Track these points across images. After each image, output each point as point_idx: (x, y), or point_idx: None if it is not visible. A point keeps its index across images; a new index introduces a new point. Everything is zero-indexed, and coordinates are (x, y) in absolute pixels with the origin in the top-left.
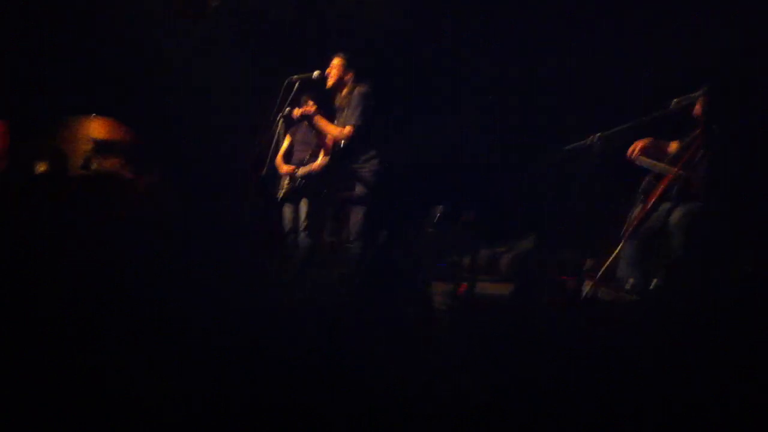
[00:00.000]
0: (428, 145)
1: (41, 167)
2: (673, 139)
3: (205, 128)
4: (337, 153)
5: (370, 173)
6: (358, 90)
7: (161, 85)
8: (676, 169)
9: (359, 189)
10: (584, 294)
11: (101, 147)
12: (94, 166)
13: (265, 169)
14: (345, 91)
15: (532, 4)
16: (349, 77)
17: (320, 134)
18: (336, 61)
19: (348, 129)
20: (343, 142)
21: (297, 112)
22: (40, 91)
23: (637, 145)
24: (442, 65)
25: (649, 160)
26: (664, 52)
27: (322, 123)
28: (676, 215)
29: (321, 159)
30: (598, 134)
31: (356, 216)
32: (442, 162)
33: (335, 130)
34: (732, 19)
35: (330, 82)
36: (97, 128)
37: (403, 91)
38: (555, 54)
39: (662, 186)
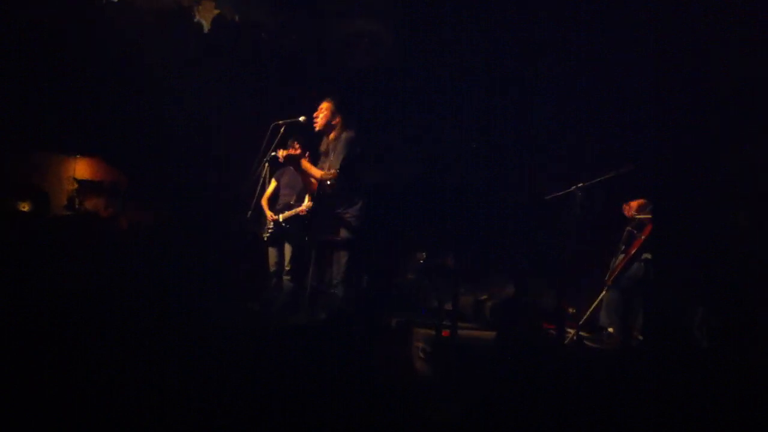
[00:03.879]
0: (412, 191)
1: (24, 206)
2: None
3: (193, 168)
4: (321, 197)
5: (354, 218)
6: (345, 135)
7: (148, 123)
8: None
9: (343, 233)
10: (567, 341)
11: (85, 187)
12: (77, 206)
13: (250, 212)
14: (332, 136)
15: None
16: (337, 121)
17: (305, 178)
18: (324, 105)
19: (333, 173)
20: (327, 187)
21: (282, 153)
22: (24, 130)
23: (632, 205)
24: (427, 109)
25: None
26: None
27: (307, 166)
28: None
29: (306, 203)
30: (579, 185)
31: (339, 261)
32: (426, 208)
33: (320, 174)
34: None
35: (318, 125)
36: (80, 168)
37: (388, 135)
38: (539, 106)
39: (643, 236)
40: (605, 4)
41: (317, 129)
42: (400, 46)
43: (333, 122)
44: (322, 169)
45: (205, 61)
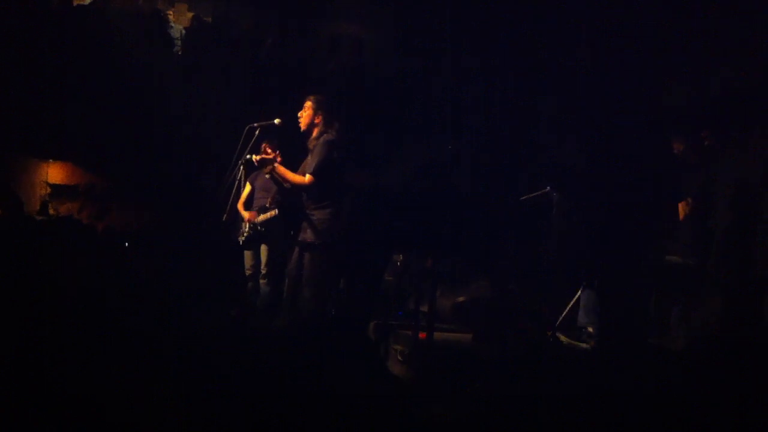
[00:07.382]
0: (389, 191)
1: None
2: None
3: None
4: (292, 200)
5: (320, 220)
6: (325, 137)
7: (122, 126)
8: None
9: (310, 235)
10: (544, 341)
11: (58, 192)
12: (51, 211)
13: (226, 215)
14: (314, 134)
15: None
16: (319, 120)
17: (278, 182)
18: (307, 103)
19: (308, 178)
20: (301, 189)
21: (256, 158)
22: None
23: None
24: (427, 109)
25: None
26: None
27: (282, 171)
28: None
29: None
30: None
31: (311, 263)
32: (402, 209)
33: (296, 178)
34: None
35: (302, 125)
36: (54, 173)
37: (385, 135)
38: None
39: None
40: (605, 4)
41: (302, 129)
42: (399, 46)
43: (315, 120)
44: (303, 167)
45: (182, 64)
